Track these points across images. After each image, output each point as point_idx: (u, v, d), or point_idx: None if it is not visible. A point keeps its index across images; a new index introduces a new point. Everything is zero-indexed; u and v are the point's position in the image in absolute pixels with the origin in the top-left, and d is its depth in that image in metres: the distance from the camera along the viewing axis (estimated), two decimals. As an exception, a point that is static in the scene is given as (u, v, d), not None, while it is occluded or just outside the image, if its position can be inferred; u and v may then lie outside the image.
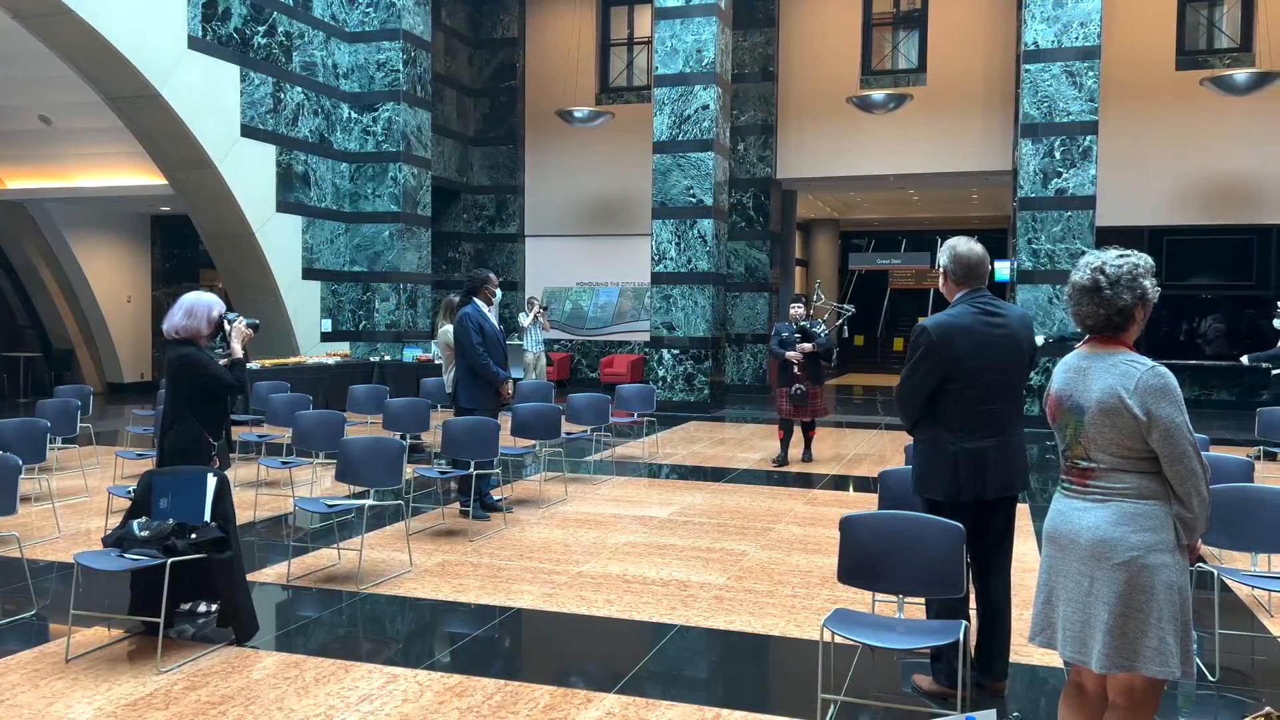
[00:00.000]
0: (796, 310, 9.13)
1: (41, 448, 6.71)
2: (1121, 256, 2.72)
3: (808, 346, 8.92)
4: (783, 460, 9.38)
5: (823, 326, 9.25)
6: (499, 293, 7.42)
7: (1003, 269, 14.88)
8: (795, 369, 8.97)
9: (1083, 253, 12.69)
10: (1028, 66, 12.91)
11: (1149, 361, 2.66)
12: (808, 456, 9.52)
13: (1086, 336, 2.79)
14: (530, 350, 14.04)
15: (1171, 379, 2.63)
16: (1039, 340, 10.40)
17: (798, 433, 9.67)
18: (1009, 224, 16.53)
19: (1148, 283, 2.71)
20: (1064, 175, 12.75)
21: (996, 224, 22.14)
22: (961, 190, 20.59)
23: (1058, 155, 12.78)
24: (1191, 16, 15.40)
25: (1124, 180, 15.02)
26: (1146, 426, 2.58)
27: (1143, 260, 2.73)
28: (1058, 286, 12.79)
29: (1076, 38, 12.65)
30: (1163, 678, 2.63)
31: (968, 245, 3.70)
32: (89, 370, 16.82)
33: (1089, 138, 12.67)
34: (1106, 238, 13.39)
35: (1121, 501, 2.64)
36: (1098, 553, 2.64)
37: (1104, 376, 2.66)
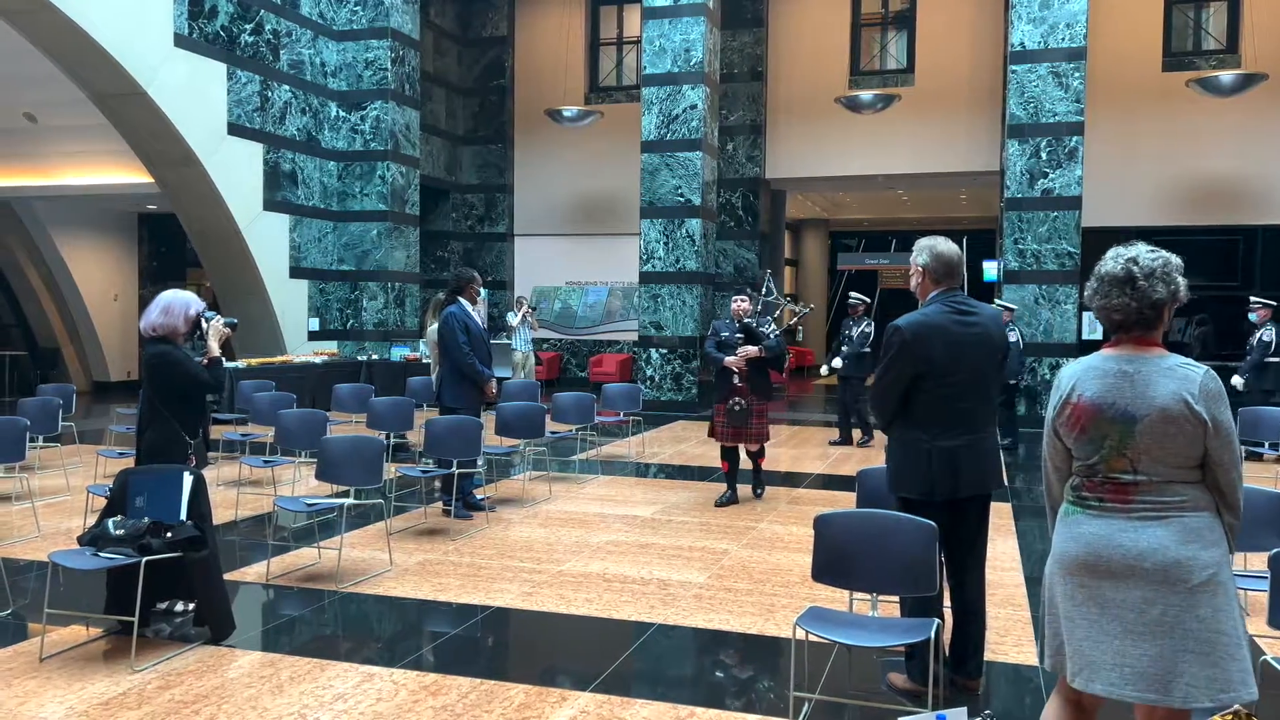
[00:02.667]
0: (740, 305, 7.30)
1: (21, 447, 6.66)
2: (1153, 251, 2.54)
3: (752, 350, 7.07)
4: (729, 499, 7.47)
5: (773, 326, 7.43)
6: (483, 292, 7.44)
7: (990, 269, 14.94)
8: (735, 379, 7.10)
9: (1069, 253, 12.76)
10: (1014, 67, 12.94)
11: (1200, 364, 2.51)
12: (759, 490, 7.69)
13: (1113, 338, 2.58)
14: (519, 349, 14.03)
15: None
16: (1013, 337, 10.50)
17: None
18: (997, 224, 16.58)
19: (1180, 279, 2.53)
20: (1050, 176, 12.79)
21: (985, 224, 22.20)
22: (950, 190, 20.65)
23: (1044, 156, 12.82)
24: (1178, 18, 15.47)
25: (1110, 181, 15.08)
26: (1211, 433, 2.43)
27: (1174, 257, 2.57)
28: (1044, 286, 12.82)
29: (1063, 39, 12.69)
30: (1249, 700, 2.42)
31: (947, 244, 3.72)
32: (75, 369, 16.76)
33: (1075, 138, 12.71)
34: (1092, 238, 13.45)
35: (1181, 516, 2.42)
36: (1171, 576, 2.38)
37: (1164, 382, 2.44)
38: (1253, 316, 10.71)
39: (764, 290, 8.82)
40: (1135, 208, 15.34)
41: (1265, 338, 10.23)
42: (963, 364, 3.61)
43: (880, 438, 10.62)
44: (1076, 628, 2.49)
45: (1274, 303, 10.63)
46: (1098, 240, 14.02)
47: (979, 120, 16.04)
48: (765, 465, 7.82)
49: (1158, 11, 15.29)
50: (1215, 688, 2.36)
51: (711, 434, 7.39)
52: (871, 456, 9.94)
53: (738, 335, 7.19)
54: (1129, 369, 2.49)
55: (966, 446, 3.60)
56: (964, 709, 2.81)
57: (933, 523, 3.46)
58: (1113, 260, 2.54)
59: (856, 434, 11.05)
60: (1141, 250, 2.53)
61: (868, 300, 11.28)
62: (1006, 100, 13.60)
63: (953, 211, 23.84)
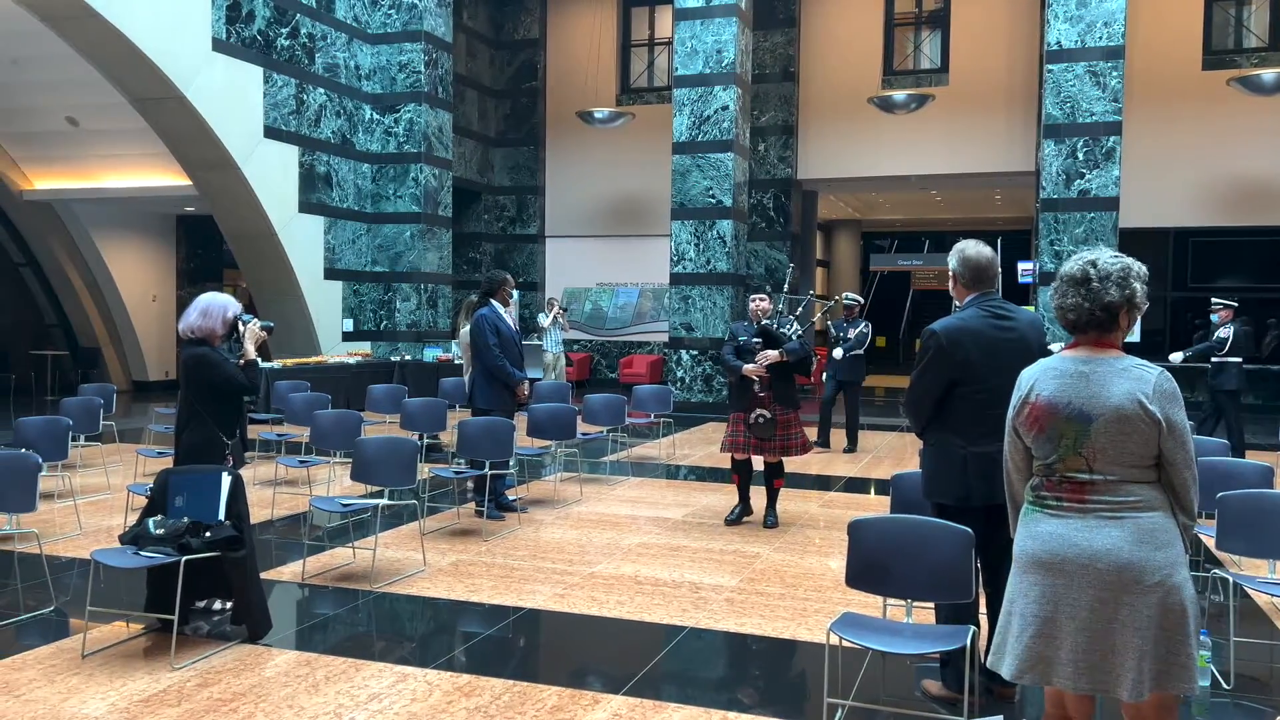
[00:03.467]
0: (759, 305, 6.60)
1: (64, 445, 6.81)
2: (1117, 256, 2.62)
3: (773, 355, 6.34)
4: (741, 513, 6.88)
5: (795, 326, 6.66)
6: (516, 293, 7.45)
7: (1026, 270, 14.78)
8: (757, 387, 6.41)
9: (1104, 250, 12.69)
10: (1051, 67, 12.80)
11: (1154, 365, 2.59)
12: (771, 520, 6.78)
13: (1070, 340, 2.67)
14: (550, 351, 14.08)
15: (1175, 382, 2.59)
16: (1055, 347, 10.27)
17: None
18: (1032, 225, 16.41)
19: (1138, 286, 2.59)
20: (1087, 176, 12.64)
21: (1020, 225, 21.99)
22: (984, 191, 20.46)
23: (1080, 156, 12.67)
24: (1219, 15, 15.23)
25: (1148, 181, 14.87)
26: (1165, 433, 2.49)
27: (1137, 264, 2.63)
28: (1080, 288, 12.67)
29: (1100, 37, 12.54)
30: (1192, 695, 2.55)
31: (976, 248, 3.69)
32: (114, 368, 17.02)
33: (1112, 138, 12.55)
34: (1130, 239, 13.29)
35: (1135, 516, 2.50)
36: (1125, 578, 2.47)
37: (1119, 382, 2.52)
38: (1214, 317, 10.60)
39: (787, 287, 7.96)
40: (1174, 208, 15.13)
41: (1222, 334, 10.13)
42: (999, 369, 3.57)
43: (865, 448, 10.57)
44: (1029, 625, 2.56)
45: (1235, 304, 10.62)
46: (1136, 241, 13.93)
47: (1014, 120, 15.88)
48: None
49: (1198, 9, 15.06)
50: (1154, 682, 2.47)
51: (724, 447, 6.63)
52: (837, 465, 9.87)
53: (755, 340, 6.45)
54: (1085, 369, 2.56)
55: (1002, 453, 3.56)
56: (999, 717, 2.79)
57: (968, 529, 3.44)
58: (1074, 261, 2.63)
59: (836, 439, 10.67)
60: (1104, 255, 2.61)
61: (862, 301, 10.85)
62: (1042, 100, 13.45)
63: (987, 212, 23.63)
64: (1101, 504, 2.53)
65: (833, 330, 10.68)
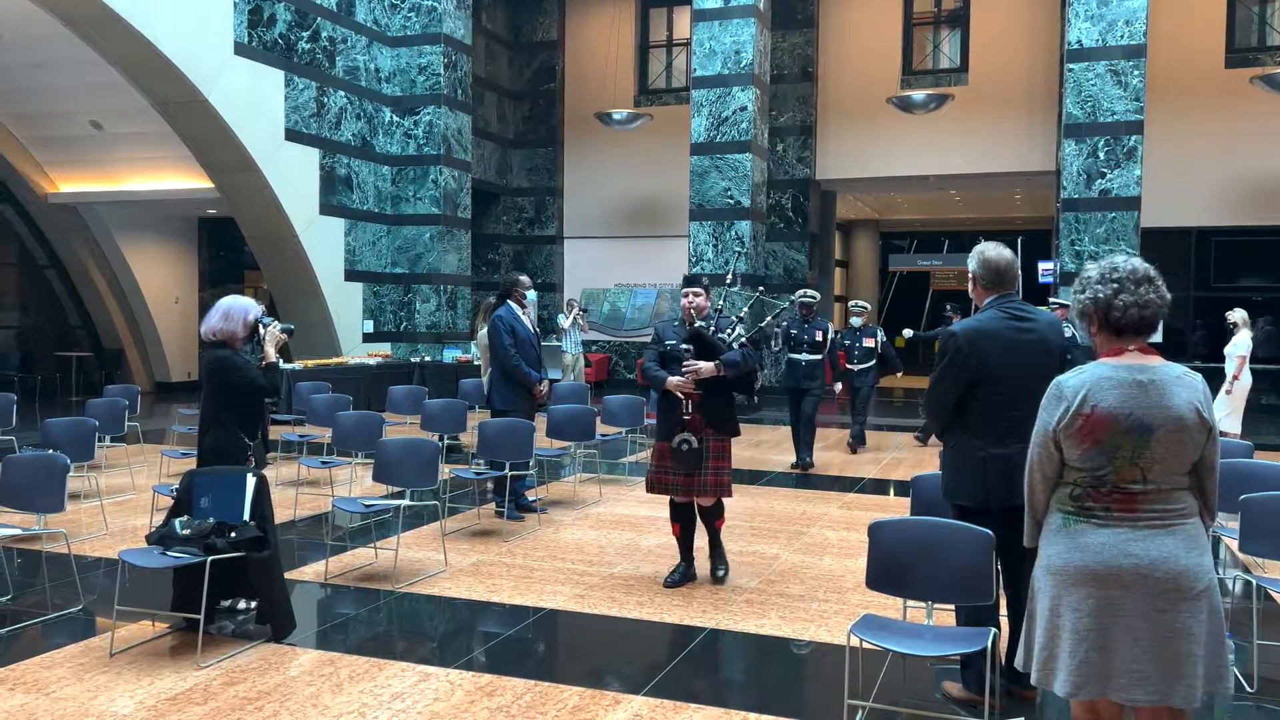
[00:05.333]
0: (694, 301, 5.25)
1: (90, 446, 6.89)
2: (1139, 261, 2.59)
3: (706, 368, 5.02)
4: (683, 575, 5.37)
5: (738, 330, 5.25)
6: (531, 294, 7.45)
7: (1046, 270, 14.69)
8: (685, 406, 5.09)
9: (1128, 254, 12.60)
10: (1071, 66, 12.74)
11: (1194, 370, 2.58)
12: (721, 571, 5.43)
13: (1111, 347, 2.57)
14: (569, 351, 14.12)
15: None
16: (1067, 333, 10.20)
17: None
18: (1053, 225, 16.32)
19: (1166, 292, 2.58)
20: (1108, 176, 12.57)
21: (1040, 225, 21.86)
22: (1004, 191, 20.36)
23: (1101, 155, 12.60)
24: (1242, 13, 15.11)
25: (1170, 180, 14.76)
26: (1210, 438, 2.50)
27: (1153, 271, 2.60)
28: (1101, 288, 12.60)
29: (1121, 36, 12.47)
30: (1225, 696, 2.57)
31: (996, 250, 3.69)
32: (138, 369, 17.19)
33: (1134, 138, 12.48)
34: (1151, 239, 13.20)
35: (1182, 522, 2.47)
36: (1181, 585, 2.43)
37: (1178, 391, 2.47)
38: (855, 320, 10.54)
39: (729, 281, 6.61)
40: (1196, 208, 15.02)
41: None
42: (1019, 371, 3.57)
43: (885, 447, 10.57)
44: (1084, 639, 2.48)
45: (1068, 303, 10.60)
46: (1157, 241, 13.83)
47: (1034, 120, 15.80)
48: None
49: (1220, 6, 14.95)
50: (1207, 683, 2.46)
51: (650, 486, 5.28)
52: (858, 466, 9.85)
53: (685, 346, 5.10)
54: (1141, 378, 2.48)
55: (1023, 454, 3.53)
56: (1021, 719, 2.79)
57: (989, 531, 3.44)
58: (1119, 262, 2.56)
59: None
60: (1135, 261, 2.57)
61: (869, 307, 10.57)
62: (1063, 99, 13.38)
63: (1007, 212, 23.50)
64: (1152, 512, 2.48)
65: (845, 340, 10.27)
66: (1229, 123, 14.74)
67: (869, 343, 10.26)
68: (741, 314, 5.40)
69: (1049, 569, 2.57)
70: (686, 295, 5.29)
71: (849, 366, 10.23)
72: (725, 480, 5.22)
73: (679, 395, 5.09)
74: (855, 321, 10.44)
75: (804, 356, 9.27)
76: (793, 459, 9.47)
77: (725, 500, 5.41)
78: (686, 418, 5.08)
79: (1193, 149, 14.89)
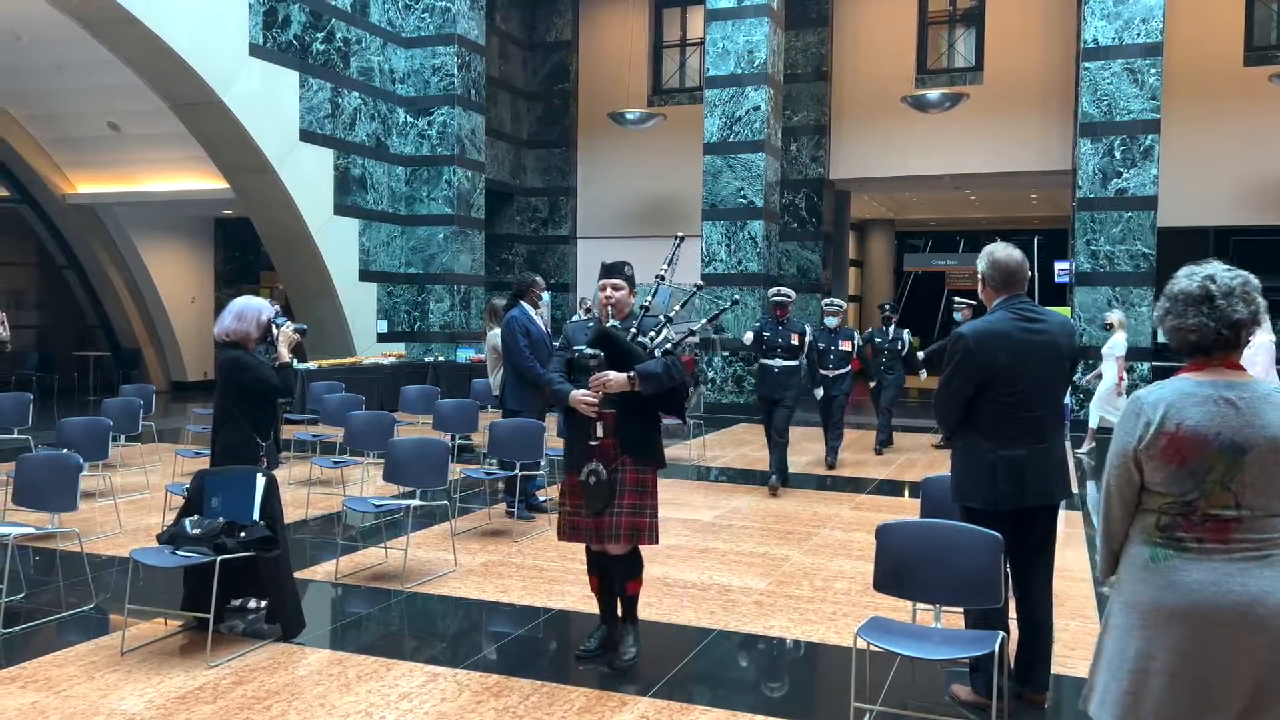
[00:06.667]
0: (611, 296, 4.28)
1: (104, 446, 6.94)
2: (1230, 269, 2.39)
3: (617, 379, 3.99)
4: (600, 642, 4.29)
5: (665, 333, 4.22)
6: (546, 295, 7.44)
7: (1062, 270, 14.60)
8: (596, 427, 4.03)
9: (1144, 254, 12.44)
10: (1087, 64, 12.66)
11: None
12: (628, 653, 4.19)
13: (1192, 361, 2.41)
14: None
15: None
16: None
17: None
18: (1069, 224, 16.22)
19: (1262, 301, 2.39)
20: (1124, 175, 12.48)
21: (1057, 224, 21.73)
22: (1020, 190, 20.26)
23: (1118, 155, 12.51)
24: (1260, 10, 14.96)
25: (1188, 179, 14.64)
26: None
27: (1253, 277, 2.42)
28: (1117, 289, 12.52)
29: (1138, 34, 12.38)
30: None
31: (1006, 251, 3.66)
32: (154, 369, 17.31)
33: (1150, 137, 12.38)
34: (1168, 239, 13.09)
35: (1274, 552, 2.26)
36: None
37: (1270, 410, 2.29)
38: (957, 315, 10.41)
39: (669, 259, 4.60)
40: (1214, 207, 14.89)
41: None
42: (1028, 372, 3.55)
43: (899, 447, 10.51)
44: (1179, 682, 2.26)
45: (975, 302, 10.48)
46: (1175, 241, 13.72)
47: (1050, 119, 15.70)
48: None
49: (1239, 4, 14.81)
50: None
51: (560, 533, 4.19)
52: (870, 467, 9.80)
53: (589, 352, 3.99)
54: (1231, 395, 2.30)
55: (1032, 456, 3.54)
56: (1029, 724, 2.77)
57: (997, 534, 3.42)
58: (1186, 278, 2.39)
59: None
60: (1218, 268, 2.39)
61: (843, 305, 9.60)
62: (1079, 98, 13.30)
63: (1023, 211, 23.39)
64: (1246, 542, 2.27)
65: (820, 344, 9.12)
66: (1248, 121, 14.60)
67: (845, 346, 9.27)
68: (672, 314, 4.27)
69: (1136, 607, 2.33)
70: (604, 288, 4.29)
71: (824, 372, 9.18)
72: (644, 523, 4.06)
73: (586, 412, 4.01)
74: (830, 322, 9.37)
75: (777, 362, 8.04)
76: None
77: (651, 550, 4.42)
78: (595, 443, 4.04)
79: (1211, 148, 14.76)
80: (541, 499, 7.36)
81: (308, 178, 13.31)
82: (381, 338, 15.00)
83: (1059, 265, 14.72)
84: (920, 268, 26.49)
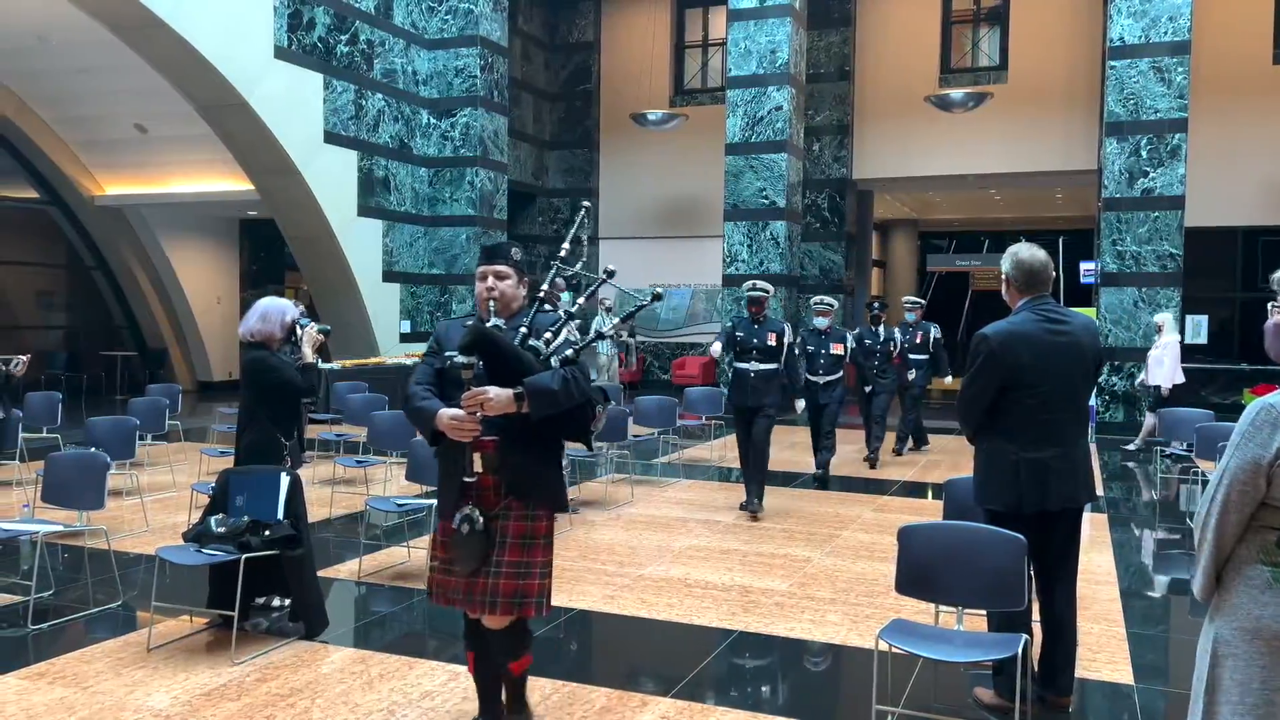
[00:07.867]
0: (494, 286, 3.24)
1: (131, 445, 7.02)
2: None
3: (499, 397, 2.98)
4: None
5: (565, 335, 3.19)
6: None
7: (1088, 271, 14.47)
8: (472, 460, 3.07)
9: (1171, 255, 12.29)
10: (1113, 63, 12.53)
11: None
12: None
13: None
14: (603, 353, 14.14)
15: None
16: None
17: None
18: (1094, 224, 16.08)
19: None
20: (1151, 175, 12.36)
21: (1083, 224, 21.53)
22: (1045, 190, 20.09)
23: (1144, 154, 12.39)
24: (1291, 8, 14.77)
25: (1216, 179, 14.46)
26: None
27: None
28: (1144, 289, 12.39)
29: (1165, 33, 12.25)
30: None
31: (1030, 252, 3.63)
32: (180, 369, 17.49)
33: (1178, 136, 12.25)
34: (1196, 239, 12.96)
35: None
36: None
37: None
38: (909, 316, 10.30)
39: (570, 240, 3.69)
40: (1243, 207, 14.70)
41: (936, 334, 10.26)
42: (1051, 374, 3.52)
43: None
44: None
45: (923, 300, 10.49)
46: (1202, 241, 13.58)
47: (1075, 118, 15.57)
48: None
49: (1268, 2, 14.62)
50: None
51: (429, 592, 3.27)
52: (945, 462, 9.74)
53: (460, 360, 3.02)
54: None
55: (1056, 458, 3.52)
56: (1052, 728, 2.75)
57: (1021, 536, 3.39)
58: None
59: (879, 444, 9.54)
60: None
61: (833, 304, 8.46)
62: (1104, 97, 13.18)
63: (1048, 211, 23.18)
64: None
65: (808, 346, 8.40)
66: (1276, 120, 14.42)
67: (836, 349, 8.32)
68: (574, 308, 3.33)
69: (1259, 634, 2.15)
70: (484, 276, 3.26)
71: (813, 379, 8.27)
72: (532, 586, 3.15)
73: (462, 435, 3.04)
74: (818, 322, 8.34)
75: (753, 366, 7.09)
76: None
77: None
78: (469, 480, 3.09)
79: (1239, 147, 14.58)
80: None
81: (332, 179, 13.40)
82: (405, 338, 15.07)
83: (1084, 266, 14.59)
84: (944, 268, 26.30)
